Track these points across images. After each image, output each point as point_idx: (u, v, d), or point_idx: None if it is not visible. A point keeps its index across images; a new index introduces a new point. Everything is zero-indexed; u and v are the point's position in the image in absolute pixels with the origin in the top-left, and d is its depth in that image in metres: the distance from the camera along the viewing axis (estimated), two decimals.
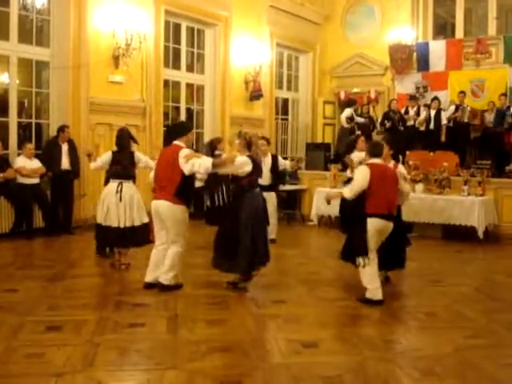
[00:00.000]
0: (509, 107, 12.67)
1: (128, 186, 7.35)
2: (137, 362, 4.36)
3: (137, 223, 7.28)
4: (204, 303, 6.01)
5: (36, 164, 9.76)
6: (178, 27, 12.85)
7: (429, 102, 13.73)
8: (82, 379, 3.98)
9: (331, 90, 16.44)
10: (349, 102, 14.79)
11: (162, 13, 11.88)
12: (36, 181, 9.72)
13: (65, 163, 10.02)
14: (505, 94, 12.84)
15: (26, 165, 9.63)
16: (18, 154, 9.83)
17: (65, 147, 10.04)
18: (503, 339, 5.11)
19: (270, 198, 8.65)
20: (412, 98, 14.06)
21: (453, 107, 13.38)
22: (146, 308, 5.79)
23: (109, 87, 10.84)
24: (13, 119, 10.02)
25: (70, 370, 4.12)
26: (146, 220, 7.32)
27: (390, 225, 6.11)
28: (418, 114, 13.55)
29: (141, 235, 7.24)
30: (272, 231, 8.72)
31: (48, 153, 10.02)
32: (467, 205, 10.41)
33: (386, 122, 13.61)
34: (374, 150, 6.27)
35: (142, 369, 4.23)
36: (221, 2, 13.13)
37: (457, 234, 10.47)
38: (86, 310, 5.61)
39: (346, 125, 14.14)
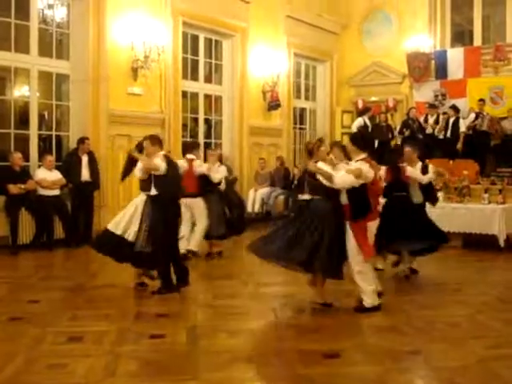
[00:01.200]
0: None
1: None
2: (157, 373, 4.35)
3: None
4: (224, 313, 6.01)
5: (56, 176, 9.86)
6: (195, 38, 12.94)
7: (447, 110, 13.67)
8: None
9: (349, 99, 16.42)
10: (362, 111, 14.82)
11: (180, 24, 11.98)
12: (56, 192, 9.82)
13: (85, 175, 10.11)
14: None
15: (47, 176, 9.73)
16: (39, 166, 9.95)
17: (85, 159, 10.13)
18: None
19: None
20: (431, 106, 14.02)
21: (473, 115, 13.29)
22: (166, 318, 5.80)
23: (128, 99, 10.94)
24: (33, 131, 10.14)
25: (91, 380, 4.14)
26: None
27: None
28: (437, 122, 13.50)
29: None
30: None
31: (68, 164, 10.12)
32: (488, 213, 10.31)
33: (404, 130, 13.57)
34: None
35: (163, 380, 4.22)
36: (238, 13, 13.21)
37: (477, 243, 10.36)
38: (106, 320, 5.63)
39: None
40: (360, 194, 5.93)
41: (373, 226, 6.03)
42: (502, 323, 5.76)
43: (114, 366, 4.40)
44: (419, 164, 7.83)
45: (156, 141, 6.88)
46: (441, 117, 13.57)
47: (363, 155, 6.05)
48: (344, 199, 6.02)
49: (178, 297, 6.63)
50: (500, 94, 13.94)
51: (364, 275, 6.05)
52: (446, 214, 10.54)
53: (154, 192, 6.63)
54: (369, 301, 6.04)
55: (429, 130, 13.50)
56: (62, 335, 5.11)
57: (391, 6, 15.73)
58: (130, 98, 10.99)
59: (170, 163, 6.73)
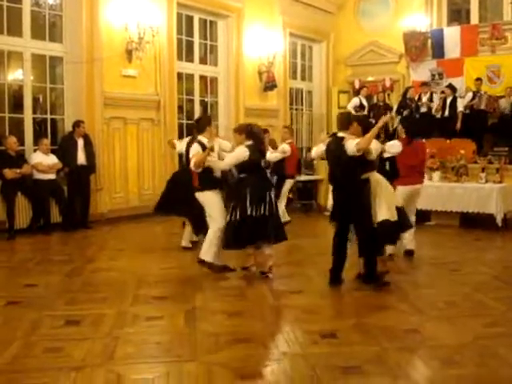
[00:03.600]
0: None
1: None
2: (156, 355, 4.37)
3: None
4: (222, 295, 6.02)
5: (52, 159, 9.82)
6: (190, 19, 12.82)
7: (444, 89, 13.61)
8: (102, 373, 3.99)
9: (346, 79, 16.33)
10: (357, 91, 14.80)
11: (175, 5, 11.86)
12: (52, 176, 9.78)
13: (81, 158, 10.07)
14: None
15: (43, 160, 9.68)
16: (34, 150, 9.89)
17: (80, 142, 10.08)
18: None
19: None
20: (424, 84, 13.94)
21: (470, 94, 13.23)
22: (164, 301, 5.81)
23: (122, 81, 10.87)
24: (28, 115, 10.06)
25: (89, 363, 4.14)
26: None
27: None
28: (431, 100, 13.45)
29: None
30: None
31: (64, 148, 10.07)
32: (485, 192, 10.32)
33: (401, 109, 13.52)
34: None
35: (162, 361, 4.24)
36: None
37: (475, 222, 10.38)
38: (104, 303, 5.63)
39: (354, 114, 14.12)
40: None
41: None
42: (499, 302, 5.78)
43: (112, 349, 4.40)
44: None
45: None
46: (434, 95, 13.51)
47: None
48: None
49: (176, 280, 6.64)
50: (497, 73, 13.87)
51: None
52: (443, 194, 10.59)
53: None
54: None
55: (423, 109, 13.43)
56: (60, 319, 5.11)
57: None
58: (125, 80, 10.91)
59: None
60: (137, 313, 5.34)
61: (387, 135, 8.44)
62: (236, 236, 6.42)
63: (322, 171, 12.99)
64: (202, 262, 6.74)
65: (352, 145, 5.99)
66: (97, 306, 5.55)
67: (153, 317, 5.22)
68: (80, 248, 8.74)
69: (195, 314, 5.36)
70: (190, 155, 6.67)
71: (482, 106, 12.95)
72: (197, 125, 7.17)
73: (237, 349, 4.46)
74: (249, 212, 6.33)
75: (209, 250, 6.68)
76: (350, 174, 6.14)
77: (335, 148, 6.24)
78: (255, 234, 6.40)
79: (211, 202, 6.73)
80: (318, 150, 6.82)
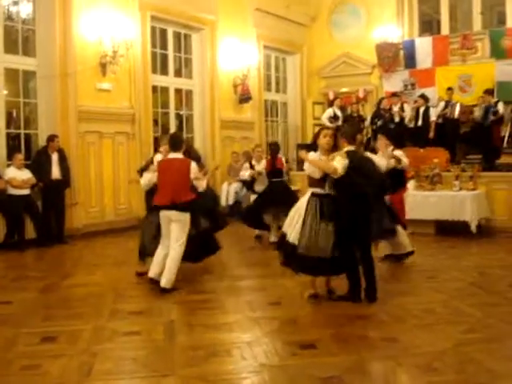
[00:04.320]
0: (496, 102, 12.69)
1: None
2: (134, 371, 4.32)
3: None
4: (199, 308, 5.98)
5: (26, 174, 9.71)
6: (164, 33, 12.84)
7: (416, 99, 13.77)
8: None
9: (320, 91, 16.45)
10: (331, 103, 14.92)
11: (148, 19, 11.87)
12: (27, 191, 9.67)
13: (55, 173, 9.98)
14: (487, 91, 12.86)
15: (17, 176, 9.57)
16: (8, 165, 9.78)
17: (55, 157, 10.00)
18: (500, 332, 5.11)
19: None
20: (394, 95, 14.09)
21: (442, 104, 13.41)
22: (142, 315, 5.76)
23: (97, 95, 10.82)
24: (1, 130, 9.95)
25: (66, 380, 4.09)
26: None
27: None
28: (402, 110, 13.60)
29: None
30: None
31: (38, 163, 9.97)
32: (459, 200, 10.44)
33: (375, 120, 13.64)
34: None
35: (140, 376, 4.20)
36: (206, 6, 13.14)
37: (450, 230, 10.48)
38: (81, 319, 5.56)
39: (328, 125, 14.21)
40: None
41: None
42: (475, 308, 5.83)
43: (90, 365, 4.35)
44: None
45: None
46: (405, 105, 13.67)
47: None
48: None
49: (153, 294, 6.59)
50: (468, 82, 14.08)
51: None
52: (417, 202, 10.66)
53: None
54: None
55: (396, 119, 13.56)
56: (36, 336, 5.03)
57: None
58: (99, 93, 10.87)
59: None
60: (114, 328, 5.28)
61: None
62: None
63: (298, 182, 13.01)
64: (165, 291, 6.52)
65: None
66: (73, 321, 5.48)
67: (130, 332, 5.17)
68: (55, 263, 8.64)
69: (173, 327, 5.32)
70: (192, 176, 6.62)
71: (456, 115, 13.11)
72: (173, 142, 6.95)
73: (215, 362, 4.44)
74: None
75: (173, 276, 6.57)
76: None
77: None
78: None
79: (188, 225, 6.70)
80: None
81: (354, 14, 15.96)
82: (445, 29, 15.33)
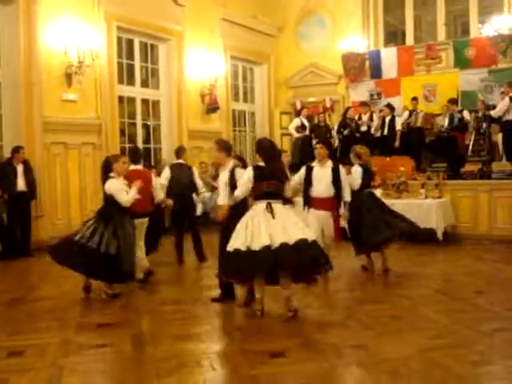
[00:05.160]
0: (461, 111, 12.92)
1: None
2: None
3: None
4: (168, 319, 5.95)
5: None
6: (130, 43, 12.79)
7: (382, 109, 13.95)
8: None
9: (287, 101, 16.55)
10: (298, 112, 15.01)
11: (114, 29, 11.81)
12: None
13: (20, 184, 9.83)
14: (452, 101, 13.10)
15: None
16: None
17: (20, 168, 9.85)
18: (466, 338, 5.19)
19: None
20: (363, 104, 14.27)
21: (406, 113, 13.61)
22: (110, 328, 5.70)
23: (62, 106, 10.72)
24: None
25: None
26: None
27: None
28: (371, 119, 13.76)
29: None
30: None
31: (2, 174, 9.79)
32: (425, 208, 10.58)
33: (342, 129, 13.77)
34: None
35: None
36: (173, 17, 13.14)
37: (416, 237, 10.59)
38: (48, 332, 5.49)
39: (296, 134, 14.35)
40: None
41: None
42: (441, 314, 5.92)
43: (58, 379, 4.31)
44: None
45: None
46: (374, 115, 13.84)
47: None
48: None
49: (120, 305, 6.54)
50: (433, 92, 14.32)
51: None
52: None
53: None
54: None
55: (363, 128, 13.73)
56: (2, 350, 4.95)
57: (325, 8, 15.97)
58: (65, 104, 10.77)
59: None
60: (82, 341, 5.23)
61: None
62: None
63: None
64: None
65: None
66: (40, 335, 5.41)
67: (98, 344, 5.12)
68: (21, 277, 8.51)
69: (142, 339, 5.29)
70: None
71: (419, 124, 13.32)
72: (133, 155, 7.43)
73: (185, 372, 4.42)
74: None
75: None
76: None
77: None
78: None
79: None
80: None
81: (320, 24, 16.12)
82: (409, 39, 15.59)
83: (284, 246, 5.60)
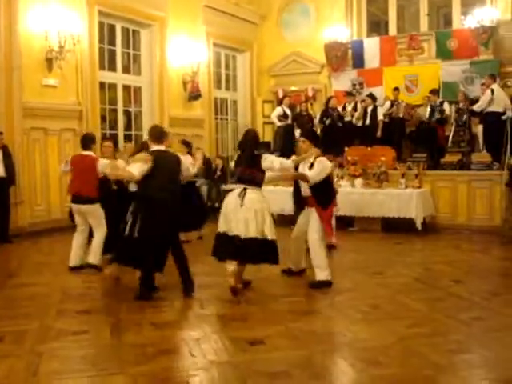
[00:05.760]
0: (441, 102, 12.99)
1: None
2: (82, 370, 4.27)
3: None
4: (148, 306, 5.94)
5: None
6: (112, 28, 12.66)
7: (364, 99, 13.97)
8: None
9: (269, 89, 16.51)
10: (280, 101, 14.97)
11: (96, 14, 11.68)
12: None
13: None
14: (433, 91, 13.17)
15: None
16: None
17: None
18: (444, 326, 5.26)
19: None
20: (348, 94, 14.30)
21: (388, 103, 13.65)
22: (89, 314, 5.69)
23: (43, 91, 10.60)
24: None
25: (13, 381, 4.02)
26: None
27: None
28: (355, 109, 13.79)
29: None
30: None
31: None
32: (405, 197, 10.66)
33: (324, 118, 13.79)
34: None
35: (87, 375, 4.16)
36: (156, 3, 13.02)
37: (396, 227, 10.70)
38: (27, 319, 5.46)
39: (278, 123, 14.33)
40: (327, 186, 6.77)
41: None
42: (420, 303, 5.98)
43: (36, 365, 4.29)
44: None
45: None
46: (358, 105, 13.86)
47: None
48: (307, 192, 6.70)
49: (101, 293, 6.53)
50: (415, 82, 14.36)
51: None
52: (364, 200, 10.88)
53: None
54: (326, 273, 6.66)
55: (347, 118, 13.77)
56: None
57: None
58: (45, 89, 10.65)
59: None
60: (61, 327, 5.21)
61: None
62: None
63: None
64: None
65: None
66: (19, 321, 5.38)
67: (77, 331, 5.10)
68: (0, 263, 8.44)
69: (120, 326, 5.28)
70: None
71: (400, 114, 13.38)
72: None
73: (164, 359, 4.43)
74: None
75: None
76: None
77: None
78: None
79: None
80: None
81: (304, 13, 16.08)
82: (392, 29, 15.60)
83: (237, 238, 6.16)
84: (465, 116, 12.32)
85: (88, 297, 6.34)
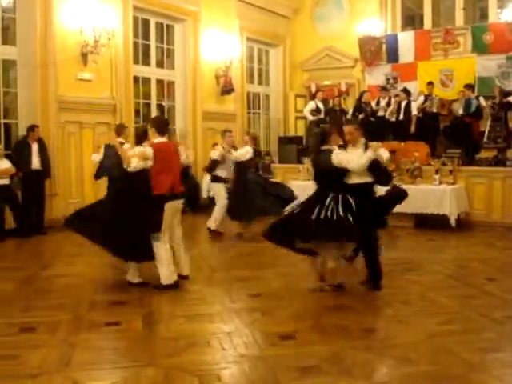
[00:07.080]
0: (477, 97, 12.79)
1: None
2: (113, 361, 4.33)
3: None
4: (179, 299, 6.00)
5: (6, 164, 9.61)
6: (146, 23, 12.76)
7: (398, 93, 13.83)
8: (59, 380, 3.95)
9: (302, 84, 16.46)
10: (313, 96, 14.90)
11: (130, 8, 11.79)
12: (6, 182, 9.57)
13: (35, 163, 9.90)
14: (468, 86, 12.96)
15: None
16: None
17: (35, 147, 9.92)
18: (476, 324, 5.19)
19: None
20: (383, 89, 14.16)
21: (422, 98, 13.49)
22: (122, 306, 5.76)
23: (78, 85, 10.74)
24: None
25: (45, 370, 4.09)
26: None
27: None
28: (388, 104, 13.65)
29: None
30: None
31: (18, 153, 9.88)
32: (439, 193, 10.53)
33: (357, 113, 13.69)
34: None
35: (119, 367, 4.21)
36: None
37: (429, 223, 10.58)
38: (60, 310, 5.55)
39: (310, 117, 14.27)
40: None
41: None
42: (452, 300, 5.92)
43: (69, 356, 4.36)
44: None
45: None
46: (392, 99, 13.72)
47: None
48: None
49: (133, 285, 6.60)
50: (450, 77, 14.17)
51: None
52: None
53: None
54: None
55: (381, 113, 13.64)
56: (15, 326, 5.03)
57: None
58: (80, 83, 10.79)
59: None
60: (93, 318, 5.29)
61: None
62: None
63: (279, 174, 13.05)
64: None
65: None
66: (53, 312, 5.47)
67: (110, 322, 5.17)
68: (35, 254, 8.59)
69: (152, 318, 5.34)
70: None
71: (434, 109, 13.21)
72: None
73: (195, 352, 4.46)
74: None
75: None
76: None
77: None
78: None
79: None
80: None
81: (337, 7, 15.96)
82: (427, 23, 15.39)
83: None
84: (501, 111, 12.10)
85: (120, 288, 6.41)
